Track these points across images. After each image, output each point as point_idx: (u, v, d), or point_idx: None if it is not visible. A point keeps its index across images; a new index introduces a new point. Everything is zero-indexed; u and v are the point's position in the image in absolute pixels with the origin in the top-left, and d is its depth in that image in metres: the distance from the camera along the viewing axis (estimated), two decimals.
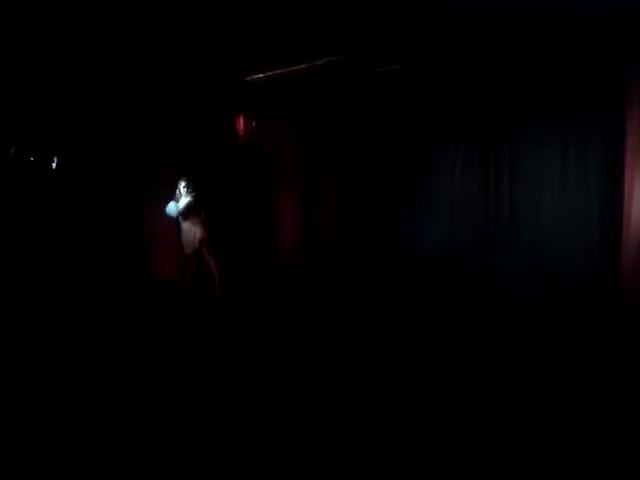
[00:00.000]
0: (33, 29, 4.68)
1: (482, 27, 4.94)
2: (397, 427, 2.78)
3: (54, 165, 5.65)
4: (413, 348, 4.14)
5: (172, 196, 5.81)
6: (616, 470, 2.36)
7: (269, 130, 7.14)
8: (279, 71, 6.03)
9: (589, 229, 6.07)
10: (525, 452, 2.51)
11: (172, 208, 5.77)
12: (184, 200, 5.76)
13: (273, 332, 4.64)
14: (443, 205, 7.24)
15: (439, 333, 4.54)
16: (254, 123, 6.97)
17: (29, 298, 5.08)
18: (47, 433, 2.77)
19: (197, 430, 2.78)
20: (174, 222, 5.87)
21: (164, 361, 3.89)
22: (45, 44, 4.95)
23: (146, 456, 2.54)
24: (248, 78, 6.32)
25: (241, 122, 6.89)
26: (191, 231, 5.81)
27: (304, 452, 2.56)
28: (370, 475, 2.36)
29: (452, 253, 7.12)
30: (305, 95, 6.93)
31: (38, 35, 4.80)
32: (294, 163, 7.36)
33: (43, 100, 5.42)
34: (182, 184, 5.78)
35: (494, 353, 3.98)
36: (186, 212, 5.74)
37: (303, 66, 5.82)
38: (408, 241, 7.36)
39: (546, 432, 2.70)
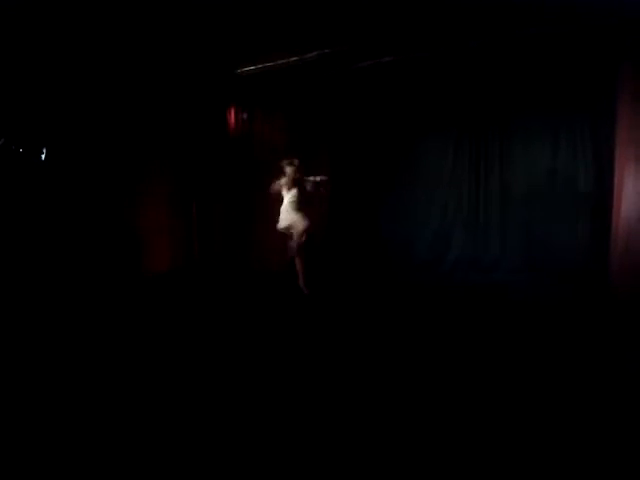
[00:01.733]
0: (23, 24, 4.62)
1: (474, 21, 4.95)
2: (392, 427, 2.78)
3: (43, 156, 5.60)
4: (405, 342, 4.14)
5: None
6: (611, 467, 2.37)
7: (261, 123, 7.10)
8: (271, 63, 6.00)
9: (579, 223, 6.12)
10: (520, 449, 2.52)
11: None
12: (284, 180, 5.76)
13: (264, 326, 4.61)
14: (434, 199, 7.25)
15: (430, 327, 4.54)
16: (246, 116, 6.93)
17: (19, 292, 5.03)
18: (39, 426, 2.75)
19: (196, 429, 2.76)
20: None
21: (162, 357, 3.85)
22: (33, 37, 4.90)
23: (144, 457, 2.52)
24: (240, 70, 6.28)
25: (232, 115, 6.85)
26: (286, 212, 5.75)
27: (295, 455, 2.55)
28: (370, 475, 2.35)
29: (443, 247, 7.14)
30: (297, 88, 6.90)
31: (27, 29, 4.74)
32: (286, 156, 7.32)
33: (32, 91, 5.36)
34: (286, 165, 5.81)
35: (484, 348, 3.99)
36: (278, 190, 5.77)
37: (295, 58, 5.80)
38: (399, 235, 7.38)
39: (540, 427, 2.71)
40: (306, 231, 5.68)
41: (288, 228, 5.78)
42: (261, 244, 7.11)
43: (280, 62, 5.93)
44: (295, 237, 5.72)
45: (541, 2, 4.54)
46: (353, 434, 2.65)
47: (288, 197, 5.76)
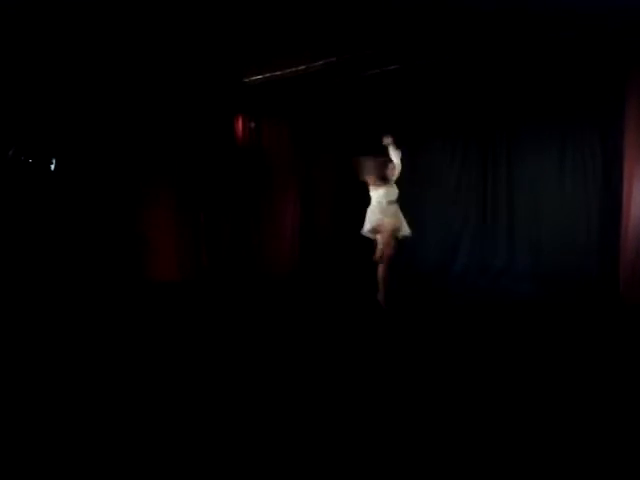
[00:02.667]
0: (32, 31, 4.67)
1: (482, 28, 4.95)
2: (396, 430, 2.77)
3: (52, 167, 5.65)
4: (412, 348, 4.13)
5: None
6: (616, 470, 2.35)
7: (268, 131, 7.13)
8: (278, 72, 6.03)
9: (588, 229, 6.08)
10: (525, 453, 2.50)
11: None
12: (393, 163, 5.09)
13: (269, 335, 4.60)
14: (442, 206, 7.22)
15: (437, 333, 4.53)
16: (253, 124, 6.96)
17: (26, 298, 5.07)
18: (41, 433, 2.75)
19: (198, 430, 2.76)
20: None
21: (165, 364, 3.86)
22: (43, 46, 4.95)
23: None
24: (247, 79, 6.31)
25: (240, 124, 6.89)
26: (380, 211, 5.13)
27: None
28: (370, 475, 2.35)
29: (450, 254, 7.11)
30: (304, 96, 6.93)
31: (36, 38, 4.79)
32: (293, 165, 7.35)
33: (42, 102, 5.42)
34: (388, 140, 5.21)
35: (492, 354, 3.97)
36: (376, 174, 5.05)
37: (302, 67, 5.82)
38: (406, 241, 7.35)
39: (545, 434, 2.69)
40: (393, 236, 5.09)
41: (374, 231, 5.19)
42: (269, 251, 7.14)
43: (287, 71, 5.95)
44: (381, 242, 5.10)
45: (549, 10, 4.54)
46: (360, 436, 2.65)
47: (378, 195, 5.17)
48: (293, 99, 7.00)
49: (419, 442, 2.63)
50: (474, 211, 7.03)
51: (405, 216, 7.07)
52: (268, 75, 6.13)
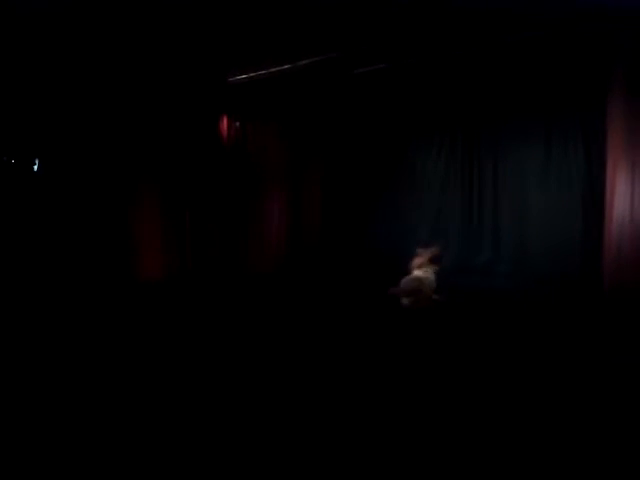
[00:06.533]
0: (15, 31, 4.63)
1: (466, 27, 4.96)
2: (389, 428, 2.75)
3: (35, 167, 5.59)
4: (400, 347, 4.12)
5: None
6: (604, 465, 2.36)
7: (253, 131, 7.12)
8: (262, 72, 6.02)
9: (571, 228, 6.14)
10: (513, 449, 2.50)
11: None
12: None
13: (258, 333, 4.58)
14: (427, 204, 7.26)
15: (424, 331, 4.52)
16: (238, 124, 6.94)
17: (12, 298, 5.01)
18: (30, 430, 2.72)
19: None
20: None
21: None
22: (25, 46, 4.91)
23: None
24: (231, 79, 6.29)
25: (225, 124, 6.86)
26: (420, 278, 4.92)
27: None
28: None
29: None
30: (289, 95, 6.92)
31: (19, 38, 4.75)
32: (279, 164, 7.35)
33: (25, 102, 5.37)
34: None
35: (476, 353, 3.97)
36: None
37: (287, 66, 5.81)
38: (393, 240, 7.37)
39: (531, 430, 2.69)
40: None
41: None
42: (255, 250, 7.12)
43: (272, 70, 5.94)
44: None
45: (533, 7, 4.56)
46: (352, 435, 2.64)
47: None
48: (279, 99, 6.99)
49: (404, 440, 2.62)
50: (459, 210, 7.07)
51: (392, 215, 7.14)
52: (253, 75, 6.11)
